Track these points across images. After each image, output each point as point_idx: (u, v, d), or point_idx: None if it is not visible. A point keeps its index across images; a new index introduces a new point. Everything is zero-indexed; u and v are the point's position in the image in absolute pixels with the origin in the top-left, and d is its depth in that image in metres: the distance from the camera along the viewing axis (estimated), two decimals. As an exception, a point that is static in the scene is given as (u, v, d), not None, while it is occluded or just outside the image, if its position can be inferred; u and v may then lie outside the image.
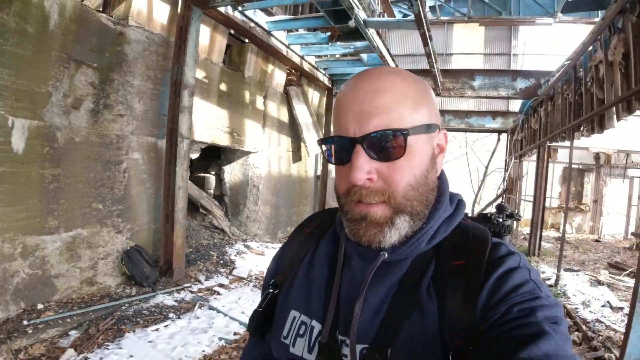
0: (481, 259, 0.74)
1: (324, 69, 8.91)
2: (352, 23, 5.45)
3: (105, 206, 4.57)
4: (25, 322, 3.64)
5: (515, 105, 11.45)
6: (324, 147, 0.78)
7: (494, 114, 12.63)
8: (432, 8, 10.49)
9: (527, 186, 12.85)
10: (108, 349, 3.43)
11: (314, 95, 9.60)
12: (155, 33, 5.02)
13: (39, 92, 3.83)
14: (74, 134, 4.18)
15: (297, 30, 7.09)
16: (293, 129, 8.71)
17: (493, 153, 13.96)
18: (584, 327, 4.58)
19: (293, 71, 8.43)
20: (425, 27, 5.56)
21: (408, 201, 0.74)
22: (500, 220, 0.94)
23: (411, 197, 0.74)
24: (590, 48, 5.27)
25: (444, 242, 0.79)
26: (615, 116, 4.52)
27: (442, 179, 0.83)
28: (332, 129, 0.79)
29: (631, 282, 6.37)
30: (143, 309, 4.25)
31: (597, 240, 13.00)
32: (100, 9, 4.59)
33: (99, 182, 4.48)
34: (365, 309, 0.76)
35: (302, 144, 8.88)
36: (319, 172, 9.97)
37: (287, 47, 7.25)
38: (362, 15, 5.48)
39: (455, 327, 0.69)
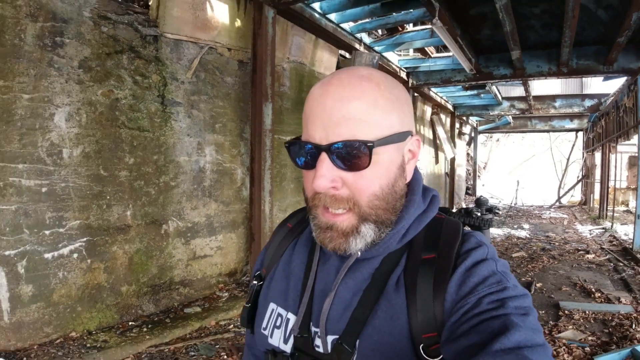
0: (451, 252, 0.74)
1: (450, 101, 13.65)
2: (487, 88, 10.27)
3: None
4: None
5: (589, 111, 15.28)
6: (291, 150, 0.77)
7: (571, 117, 16.24)
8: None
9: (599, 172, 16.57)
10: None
11: (445, 119, 14.37)
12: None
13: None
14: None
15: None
16: (432, 143, 13.52)
17: (572, 148, 17.97)
18: (620, 240, 9.05)
19: (437, 107, 13.26)
20: (527, 84, 10.23)
21: (373, 210, 0.73)
22: (480, 214, 0.98)
23: (376, 206, 0.73)
24: (622, 93, 9.74)
25: (417, 237, 0.79)
26: (633, 133, 9.04)
27: (414, 178, 0.83)
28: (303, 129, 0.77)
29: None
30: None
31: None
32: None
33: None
34: (337, 302, 0.77)
35: (438, 152, 13.68)
36: (447, 170, 14.69)
37: (436, 94, 12.10)
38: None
39: (425, 319, 0.70)
